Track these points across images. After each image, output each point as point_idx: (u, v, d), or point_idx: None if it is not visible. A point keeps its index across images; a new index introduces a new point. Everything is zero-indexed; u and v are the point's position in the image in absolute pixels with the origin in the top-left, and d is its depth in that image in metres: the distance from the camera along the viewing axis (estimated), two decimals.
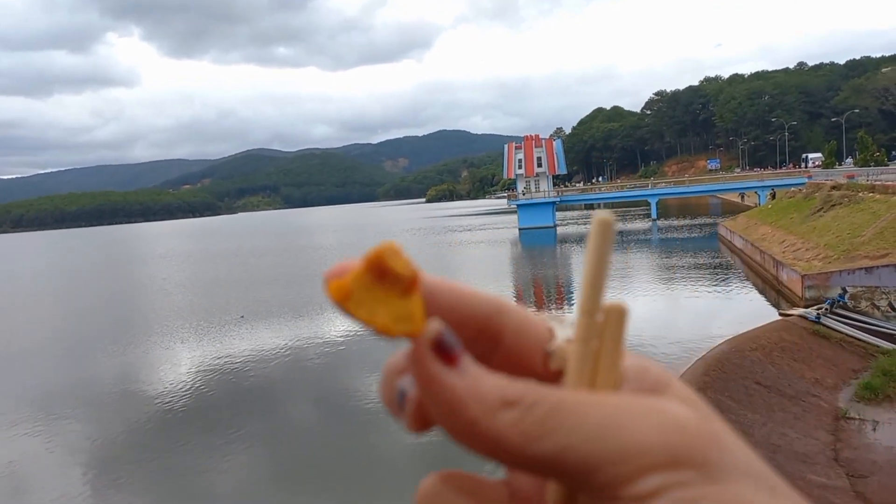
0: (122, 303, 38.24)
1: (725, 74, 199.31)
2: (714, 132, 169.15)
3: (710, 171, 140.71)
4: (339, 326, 25.34)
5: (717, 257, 37.10)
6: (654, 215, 69.51)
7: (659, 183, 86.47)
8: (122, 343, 25.30)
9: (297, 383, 18.44)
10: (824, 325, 18.34)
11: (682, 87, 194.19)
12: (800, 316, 19.51)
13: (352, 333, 23.91)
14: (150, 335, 26.48)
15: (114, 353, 23.63)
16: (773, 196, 59.01)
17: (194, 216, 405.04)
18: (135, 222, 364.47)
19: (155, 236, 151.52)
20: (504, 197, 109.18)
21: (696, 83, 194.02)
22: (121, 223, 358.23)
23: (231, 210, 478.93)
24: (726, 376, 15.19)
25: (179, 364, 21.41)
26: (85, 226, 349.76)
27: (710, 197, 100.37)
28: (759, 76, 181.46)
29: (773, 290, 25.27)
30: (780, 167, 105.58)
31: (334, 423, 14.81)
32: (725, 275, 31.12)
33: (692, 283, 29.39)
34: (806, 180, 54.32)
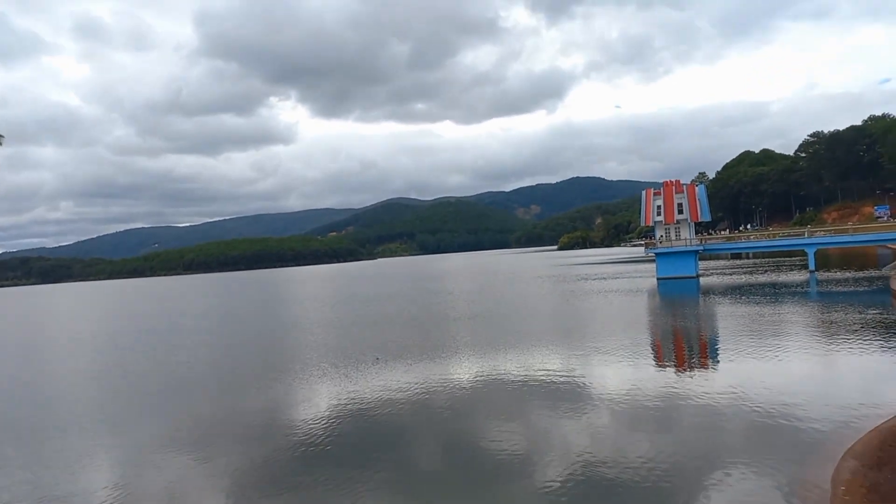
0: (270, 341, 41.05)
1: (894, 111, 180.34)
2: (882, 176, 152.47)
3: (878, 218, 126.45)
4: (467, 372, 25.35)
5: (890, 314, 32.88)
6: (811, 266, 63.41)
7: (817, 231, 78.79)
8: (270, 377, 27.04)
9: (425, 428, 18.55)
10: None
11: (841, 126, 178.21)
12: None
13: (481, 377, 23.80)
14: (295, 372, 28.09)
15: (260, 388, 25.28)
16: None
17: (339, 261, 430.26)
18: (287, 266, 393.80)
19: (304, 279, 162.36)
20: (640, 245, 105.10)
21: (857, 122, 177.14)
22: (275, 267, 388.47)
23: (371, 256, 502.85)
24: None
25: (318, 401, 22.43)
26: (244, 269, 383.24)
27: (879, 247, 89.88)
28: None
29: None
30: None
31: (459, 471, 14.65)
32: None
33: (860, 343, 26.17)
34: None
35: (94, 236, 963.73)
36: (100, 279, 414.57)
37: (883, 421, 14.96)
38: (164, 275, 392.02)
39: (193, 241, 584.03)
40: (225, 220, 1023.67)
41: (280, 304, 78.51)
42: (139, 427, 20.83)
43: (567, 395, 20.63)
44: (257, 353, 35.68)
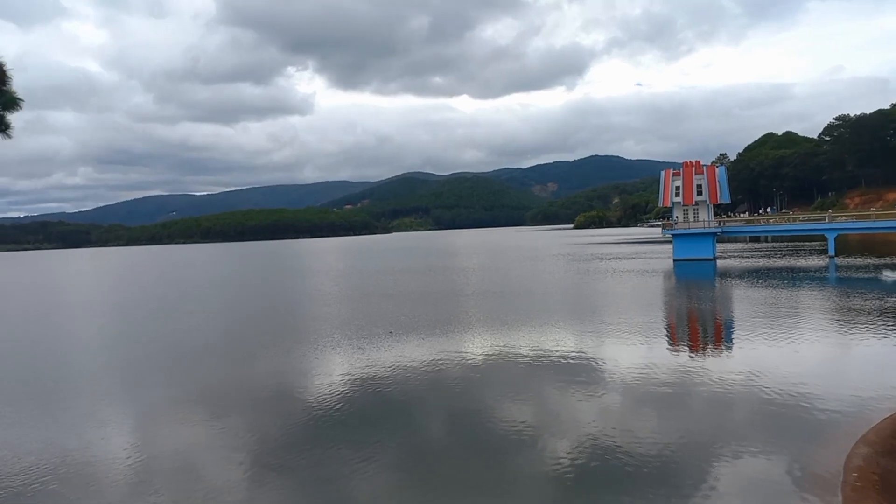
0: (285, 311, 41.45)
1: None
2: None
3: None
4: (479, 348, 25.44)
5: None
6: (831, 251, 62.57)
7: (839, 216, 77.51)
8: (284, 347, 27.36)
9: (436, 401, 18.68)
10: None
11: (867, 110, 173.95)
12: None
13: (493, 354, 23.89)
14: (309, 342, 28.39)
15: (273, 357, 25.59)
16: None
17: (354, 234, 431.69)
18: (303, 237, 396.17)
19: (320, 251, 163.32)
20: (658, 225, 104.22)
21: (886, 106, 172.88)
22: (291, 238, 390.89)
23: (386, 230, 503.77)
24: None
25: (330, 372, 22.67)
26: (261, 239, 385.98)
27: None
28: None
29: None
30: None
31: (468, 444, 14.76)
32: None
33: (877, 330, 25.84)
34: None
35: (113, 202, 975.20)
36: (118, 245, 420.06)
37: None
38: (182, 243, 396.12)
39: (210, 210, 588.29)
40: (241, 189, 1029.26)
41: (295, 275, 79.11)
42: (152, 392, 21.20)
43: (578, 374, 20.65)
44: (271, 323, 36.04)
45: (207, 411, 18.51)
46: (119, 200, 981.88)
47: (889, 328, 26.10)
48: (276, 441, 15.61)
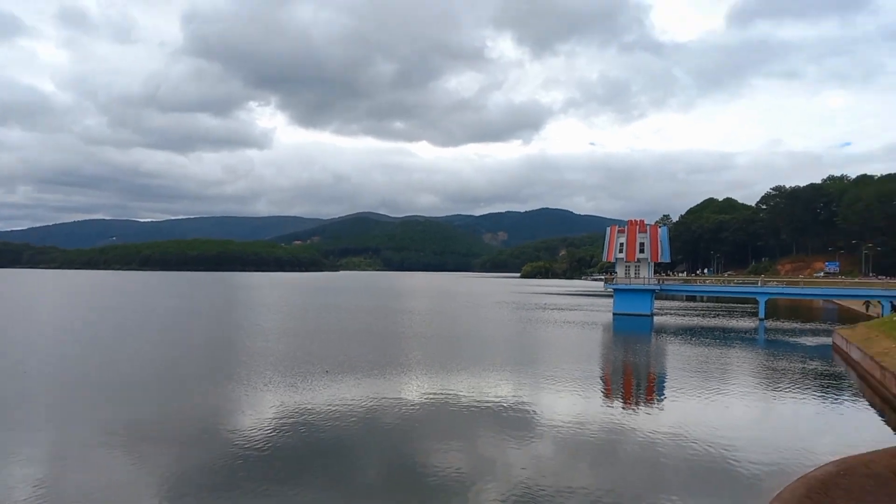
0: (223, 344, 40.22)
1: (852, 174, 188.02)
2: (835, 234, 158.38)
3: (829, 273, 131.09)
4: (416, 391, 25.24)
5: (830, 367, 33.98)
6: (761, 314, 65.25)
7: (770, 281, 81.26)
8: (215, 382, 26.46)
9: (368, 443, 18.36)
10: None
11: (802, 183, 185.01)
12: None
13: (430, 398, 23.72)
14: (241, 378, 27.55)
15: (206, 391, 24.72)
16: (895, 309, 53.88)
17: (301, 270, 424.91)
18: (248, 270, 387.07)
19: (263, 285, 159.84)
20: (601, 279, 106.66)
21: (818, 181, 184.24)
22: (236, 270, 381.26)
23: (334, 268, 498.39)
24: (831, 501, 13.59)
25: (263, 409, 22.02)
26: (203, 270, 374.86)
27: (826, 302, 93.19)
28: (892, 178, 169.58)
29: (893, 412, 22.69)
30: None
31: (397, 489, 14.52)
32: (837, 388, 28.33)
33: (799, 392, 26.95)
34: None
35: (51, 224, 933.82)
36: (50, 268, 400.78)
37: (810, 470, 15.39)
38: (119, 269, 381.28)
39: (153, 238, 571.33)
40: (189, 218, 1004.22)
41: (235, 308, 77.10)
42: (73, 424, 20.13)
43: (513, 422, 20.71)
44: (205, 357, 34.90)
45: (129, 448, 17.65)
46: (57, 222, 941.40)
47: (809, 391, 27.26)
48: (200, 481, 14.99)
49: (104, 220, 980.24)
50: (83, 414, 21.29)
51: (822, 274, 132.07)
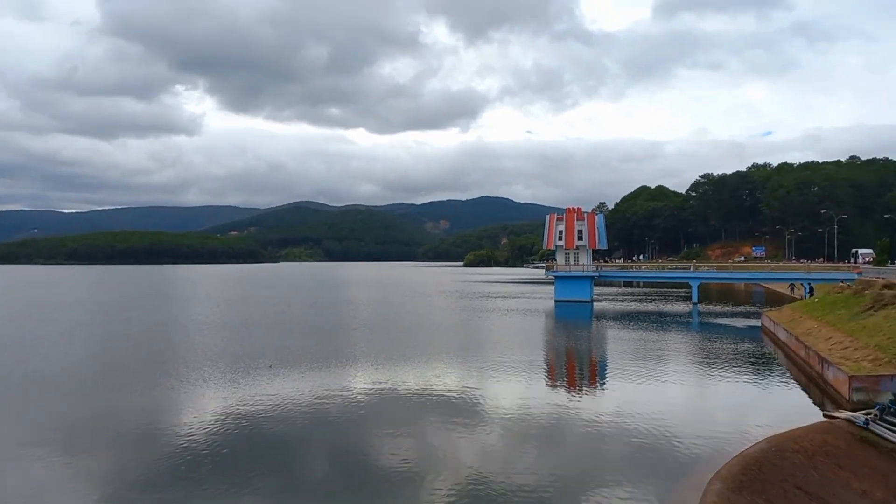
0: (158, 340, 38.72)
1: (774, 162, 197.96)
2: (760, 219, 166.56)
3: (755, 258, 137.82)
4: (362, 383, 25.02)
5: (760, 348, 35.70)
6: (694, 299, 67.92)
7: (701, 266, 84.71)
8: (151, 379, 25.43)
9: (314, 438, 18.07)
10: (873, 431, 17.18)
11: (728, 171, 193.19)
12: (846, 420, 18.38)
13: (375, 389, 23.55)
14: (179, 375, 26.58)
15: (141, 389, 23.72)
16: (812, 292, 57.11)
17: (238, 262, 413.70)
18: (181, 263, 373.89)
19: (199, 279, 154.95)
20: (542, 267, 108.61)
21: (743, 169, 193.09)
22: (169, 263, 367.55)
23: (273, 259, 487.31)
24: (765, 477, 14.26)
25: (203, 407, 21.31)
26: (134, 263, 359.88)
27: (754, 285, 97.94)
28: (809, 167, 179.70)
29: (818, 389, 24.04)
30: (832, 260, 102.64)
31: (346, 482, 14.34)
32: (767, 368, 29.81)
33: (732, 373, 28.20)
34: (856, 276, 52.57)
35: None
36: None
37: (746, 447, 16.09)
38: (42, 263, 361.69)
39: (78, 230, 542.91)
40: (116, 209, 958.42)
41: (170, 302, 74.42)
42: (1, 426, 18.93)
43: (459, 410, 20.80)
44: (139, 354, 33.50)
45: (61, 449, 16.74)
46: None
47: (741, 372, 28.56)
48: (136, 481, 14.36)
49: (23, 210, 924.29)
50: (11, 414, 20.05)
51: (742, 259, 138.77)
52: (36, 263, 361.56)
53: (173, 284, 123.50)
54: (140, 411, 20.82)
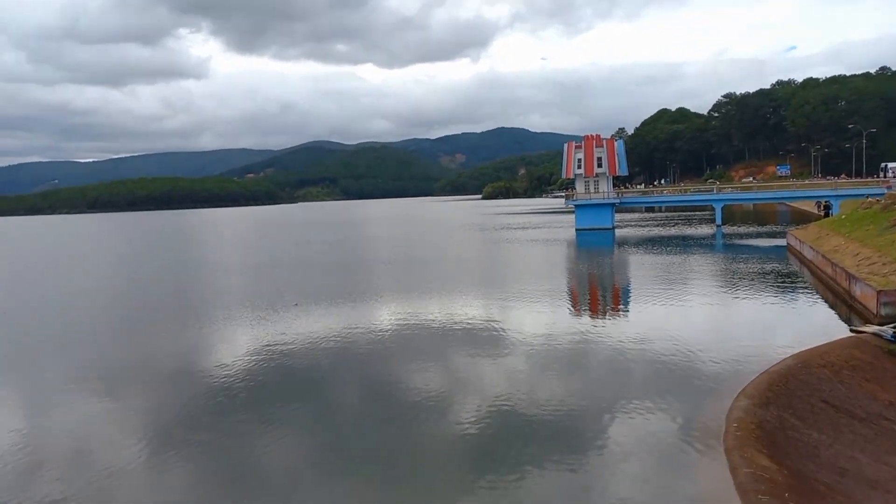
0: (184, 284, 39.50)
1: (798, 78, 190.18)
2: (785, 137, 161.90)
3: (780, 177, 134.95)
4: (387, 317, 25.40)
5: (785, 267, 35.39)
6: (718, 221, 67.09)
7: (725, 188, 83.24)
8: (184, 321, 26.09)
9: (344, 371, 18.51)
10: None
11: (751, 90, 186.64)
12: (874, 334, 18.30)
13: (401, 323, 23.92)
14: (210, 316, 27.22)
15: (173, 331, 24.38)
16: (827, 212, 55.90)
17: (256, 204, 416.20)
18: (201, 208, 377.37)
19: (221, 222, 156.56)
20: (562, 196, 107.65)
21: (766, 86, 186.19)
22: (188, 208, 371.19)
23: (291, 200, 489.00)
24: (791, 392, 14.36)
25: (235, 345, 21.88)
26: (154, 209, 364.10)
27: (779, 204, 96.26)
28: (836, 80, 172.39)
29: (845, 305, 23.87)
30: (860, 176, 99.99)
31: (377, 413, 14.76)
32: (793, 286, 29.61)
33: (757, 293, 28.05)
34: (885, 191, 51.28)
35: None
36: None
37: (772, 364, 16.14)
38: (66, 213, 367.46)
39: (97, 179, 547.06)
40: (132, 156, 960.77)
41: (194, 246, 75.51)
42: (43, 374, 19.66)
43: (485, 340, 21.09)
44: (170, 298, 34.27)
45: (105, 391, 17.39)
46: None
47: (766, 290, 28.41)
48: (179, 417, 14.92)
49: (41, 162, 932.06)
50: (55, 360, 20.82)
51: (751, 179, 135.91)
52: (59, 213, 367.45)
53: (197, 229, 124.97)
54: (175, 351, 21.44)
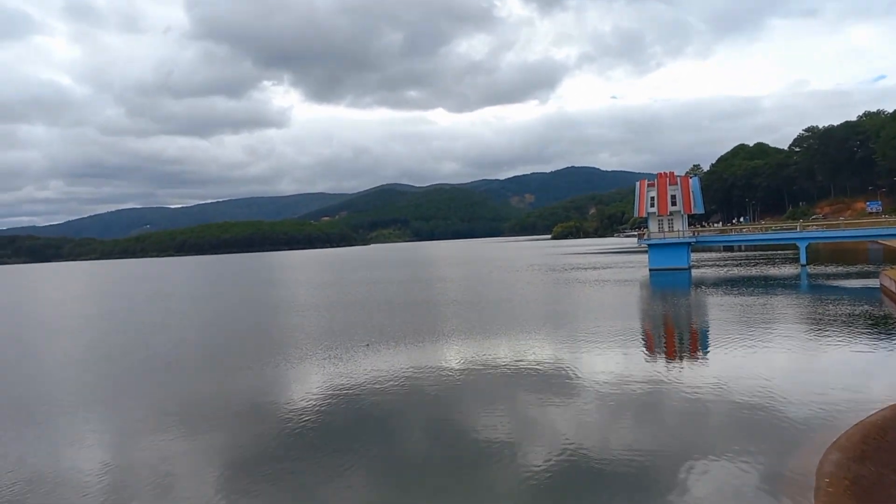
0: (261, 323, 40.93)
1: (889, 108, 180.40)
2: (874, 172, 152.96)
3: (870, 213, 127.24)
4: (457, 358, 25.36)
5: (879, 310, 33.06)
6: (803, 260, 63.70)
7: (810, 225, 79.16)
8: (258, 360, 26.95)
9: (413, 413, 18.52)
10: None
11: (835, 122, 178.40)
12: None
13: (470, 364, 23.81)
14: (285, 354, 28.02)
15: (249, 369, 25.20)
16: None
17: (332, 246, 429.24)
18: (280, 250, 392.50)
19: (298, 263, 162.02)
20: (634, 236, 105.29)
21: (852, 118, 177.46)
22: (268, 250, 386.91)
23: (364, 241, 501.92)
24: (890, 446, 13.30)
25: (308, 383, 22.40)
26: (237, 252, 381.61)
27: (870, 243, 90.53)
28: None
29: None
30: None
31: (445, 456, 14.64)
32: (888, 331, 27.56)
33: (848, 337, 26.29)
34: None
35: (85, 216, 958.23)
36: (90, 259, 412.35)
37: (866, 415, 15.03)
38: (156, 256, 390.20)
39: (185, 223, 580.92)
40: (217, 202, 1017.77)
41: (273, 286, 78.31)
42: (127, 408, 20.72)
43: (555, 383, 20.66)
44: (248, 336, 35.55)
45: (185, 425, 18.13)
46: (91, 214, 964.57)
47: (857, 335, 26.58)
48: (253, 455, 15.33)
49: (136, 208, 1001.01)
50: (137, 394, 21.90)
51: (817, 217, 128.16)
52: (150, 256, 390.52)
53: (276, 270, 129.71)
54: (250, 388, 22.13)
